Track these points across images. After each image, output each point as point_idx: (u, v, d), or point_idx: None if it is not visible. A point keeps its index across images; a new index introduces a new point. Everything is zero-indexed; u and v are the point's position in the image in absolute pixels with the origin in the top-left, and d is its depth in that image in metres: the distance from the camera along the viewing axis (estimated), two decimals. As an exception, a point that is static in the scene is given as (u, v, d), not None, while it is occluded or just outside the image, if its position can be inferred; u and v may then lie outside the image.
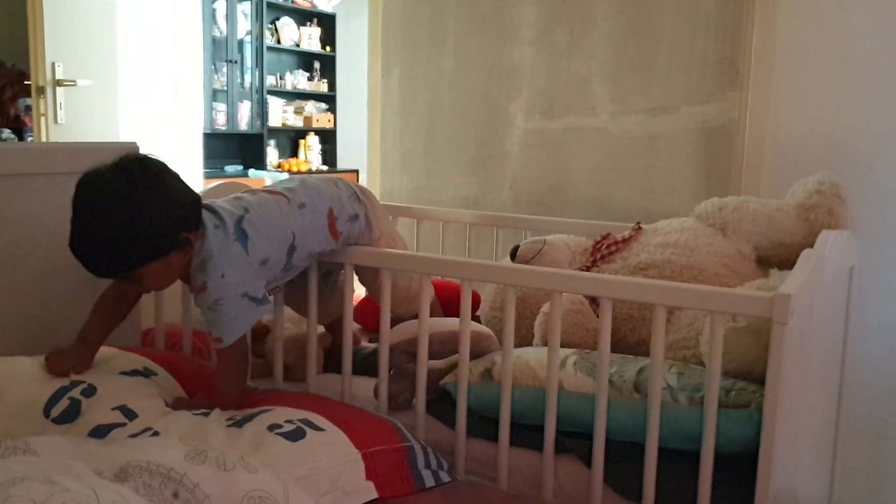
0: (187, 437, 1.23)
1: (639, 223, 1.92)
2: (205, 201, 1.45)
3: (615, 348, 1.50)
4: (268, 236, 1.47)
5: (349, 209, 1.62)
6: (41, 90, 3.05)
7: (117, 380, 1.43)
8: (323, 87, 7.24)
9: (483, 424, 1.53)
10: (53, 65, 3.05)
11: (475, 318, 1.98)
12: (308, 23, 7.13)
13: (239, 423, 1.30)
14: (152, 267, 1.35)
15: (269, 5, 6.53)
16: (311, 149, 6.99)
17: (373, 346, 1.93)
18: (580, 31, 2.49)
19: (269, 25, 6.68)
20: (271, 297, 1.60)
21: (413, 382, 1.58)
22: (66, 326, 1.56)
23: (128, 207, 1.30)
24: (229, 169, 6.21)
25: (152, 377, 1.50)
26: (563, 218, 2.37)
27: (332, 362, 1.83)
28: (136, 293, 1.54)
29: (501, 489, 1.46)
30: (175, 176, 1.40)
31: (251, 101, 6.46)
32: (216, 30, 6.06)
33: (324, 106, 7.25)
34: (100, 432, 1.28)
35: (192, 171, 4.27)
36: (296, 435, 1.26)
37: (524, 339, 1.81)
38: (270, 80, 6.68)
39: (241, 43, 6.32)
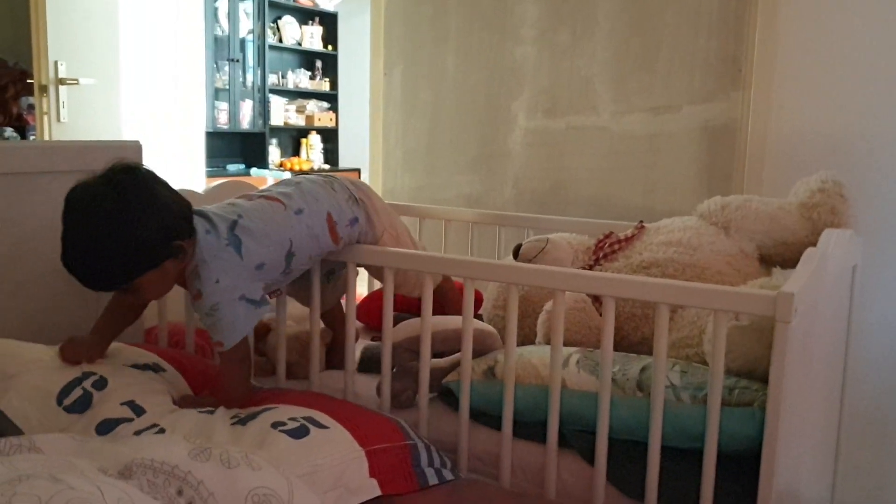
0: (192, 434, 1.24)
1: (641, 222, 1.92)
2: (198, 207, 1.46)
3: (618, 347, 1.50)
4: (262, 242, 1.46)
5: (348, 213, 1.61)
6: (44, 89, 3.05)
7: (128, 374, 1.45)
8: (325, 85, 7.24)
9: (486, 422, 1.53)
10: (56, 63, 3.06)
11: (478, 317, 1.99)
12: (310, 21, 7.13)
13: (243, 421, 1.31)
14: (148, 277, 1.35)
15: (271, 4, 6.53)
16: (313, 148, 6.99)
17: (377, 344, 1.93)
18: (582, 29, 2.49)
19: (271, 24, 6.68)
20: (272, 300, 1.60)
21: (416, 380, 1.58)
22: (67, 325, 1.56)
23: (119, 219, 1.30)
24: (231, 168, 6.21)
25: (161, 373, 1.52)
26: (565, 217, 2.37)
27: (334, 359, 1.83)
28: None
29: (504, 487, 1.46)
30: (164, 184, 1.40)
31: (253, 99, 6.46)
32: (218, 28, 6.06)
33: (325, 105, 7.25)
34: (107, 426, 1.30)
35: (194, 170, 4.27)
36: (299, 432, 1.26)
37: (526, 338, 1.81)
38: (272, 79, 6.68)
39: (242, 42, 6.32)
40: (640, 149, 2.42)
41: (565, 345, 1.47)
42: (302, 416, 1.31)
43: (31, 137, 3.56)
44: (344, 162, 7.10)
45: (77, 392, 1.36)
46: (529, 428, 1.48)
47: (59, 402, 1.33)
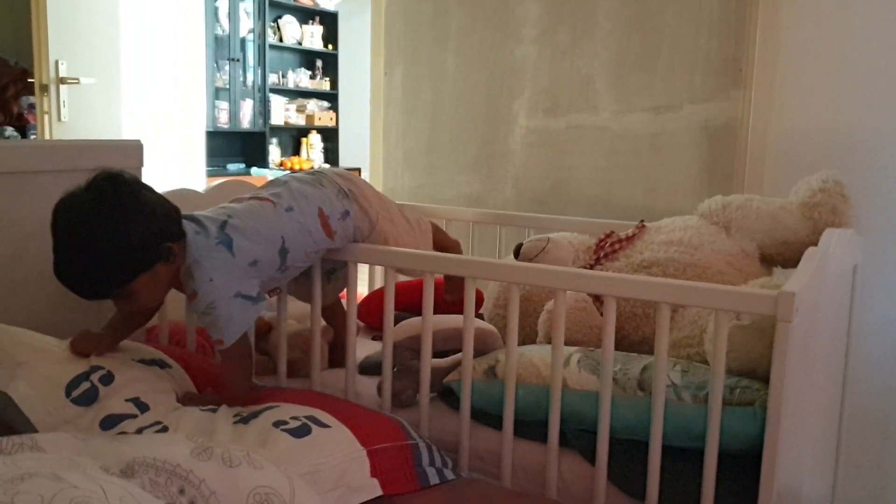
0: (194, 433, 1.24)
1: (642, 221, 1.92)
2: (187, 213, 1.46)
3: (618, 346, 1.50)
4: (254, 239, 1.46)
5: (339, 207, 1.60)
6: (45, 88, 3.05)
7: (135, 369, 1.46)
8: (325, 85, 7.25)
9: (487, 422, 1.53)
10: (57, 63, 3.06)
11: (478, 316, 1.99)
12: (310, 21, 7.13)
13: (245, 420, 1.31)
14: (141, 281, 1.35)
15: (272, 3, 6.53)
16: (314, 147, 7.00)
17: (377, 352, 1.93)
18: (583, 29, 2.49)
19: (272, 23, 6.68)
20: (272, 298, 1.60)
21: (417, 380, 1.59)
22: (68, 325, 1.56)
23: (107, 224, 1.30)
24: (231, 167, 6.21)
25: (167, 369, 1.53)
26: (566, 216, 2.37)
27: (336, 357, 1.83)
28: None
29: (505, 487, 1.46)
30: (150, 189, 1.41)
31: (253, 99, 6.46)
32: (218, 28, 6.06)
33: (326, 104, 7.25)
34: (111, 421, 1.31)
35: (194, 170, 4.27)
36: (301, 431, 1.26)
37: (527, 337, 1.81)
38: (273, 79, 6.68)
39: (243, 41, 6.32)
40: (640, 148, 2.42)
41: (566, 344, 1.47)
42: (304, 415, 1.31)
43: (32, 136, 3.57)
44: (344, 161, 7.10)
45: (85, 385, 1.37)
46: (530, 427, 1.48)
47: (68, 394, 1.35)
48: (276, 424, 1.28)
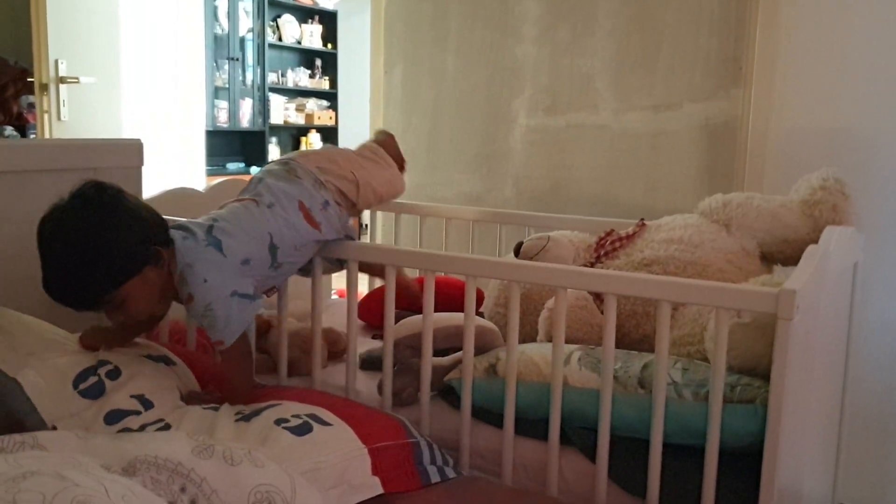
0: (196, 431, 1.24)
1: (642, 219, 1.92)
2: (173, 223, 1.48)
3: (619, 344, 1.50)
4: (242, 238, 1.47)
5: (318, 198, 1.58)
6: (44, 87, 3.05)
7: (142, 365, 1.46)
8: (324, 84, 7.25)
9: (487, 420, 1.54)
10: (57, 62, 3.06)
11: (479, 314, 1.99)
12: (310, 20, 7.14)
13: (247, 418, 1.31)
14: (131, 286, 1.35)
15: (271, 2, 6.54)
16: (313, 146, 7.00)
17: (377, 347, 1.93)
18: (583, 28, 2.49)
19: (271, 23, 6.68)
20: (269, 298, 1.60)
21: (417, 378, 1.59)
22: (68, 324, 1.56)
23: (92, 229, 1.32)
24: (231, 166, 6.22)
25: (172, 366, 1.53)
26: (566, 214, 2.37)
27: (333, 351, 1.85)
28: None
29: (506, 484, 1.47)
30: (133, 196, 1.42)
31: (253, 98, 6.47)
32: (218, 27, 6.06)
33: (325, 103, 7.26)
34: (115, 417, 1.32)
35: (194, 169, 4.27)
36: (302, 429, 1.27)
37: (528, 336, 1.81)
38: (272, 78, 6.68)
39: (242, 40, 6.32)
40: (640, 147, 2.42)
41: (566, 342, 1.47)
42: (305, 414, 1.31)
43: (32, 136, 3.56)
44: (344, 161, 7.09)
45: (92, 379, 1.38)
46: (531, 425, 1.48)
47: (75, 386, 1.36)
48: (278, 422, 1.28)
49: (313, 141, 7.01)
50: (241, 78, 6.34)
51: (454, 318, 1.71)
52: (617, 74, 2.44)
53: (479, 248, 2.40)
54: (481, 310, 2.04)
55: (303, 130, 7.05)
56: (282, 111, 6.83)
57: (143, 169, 1.94)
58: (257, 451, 1.13)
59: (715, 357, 1.27)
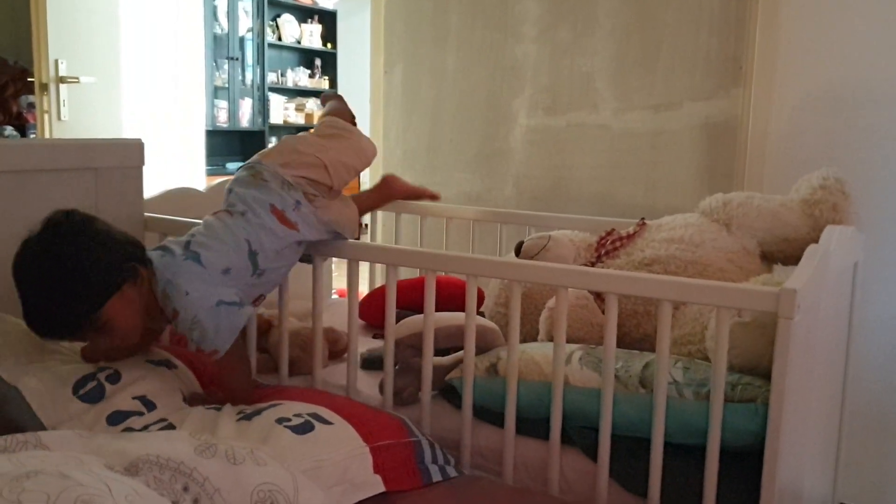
0: (198, 430, 1.25)
1: (643, 219, 1.92)
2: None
3: (619, 344, 1.50)
4: (219, 249, 1.46)
5: (288, 199, 1.55)
6: (44, 87, 3.05)
7: (142, 369, 1.47)
8: (324, 84, 7.25)
9: (488, 419, 1.54)
10: (57, 62, 3.06)
11: (479, 314, 1.99)
12: (309, 20, 7.14)
13: (248, 417, 1.32)
14: (112, 306, 1.34)
15: (271, 2, 6.54)
16: (313, 146, 6.99)
17: (378, 346, 1.94)
18: (583, 27, 2.49)
19: (271, 22, 6.68)
20: (256, 306, 1.58)
21: (418, 377, 1.59)
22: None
23: (64, 254, 1.32)
24: (231, 166, 6.21)
25: (173, 369, 1.53)
26: (566, 214, 2.37)
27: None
28: None
29: (507, 484, 1.47)
30: (103, 221, 1.43)
31: (252, 98, 6.47)
32: (217, 27, 6.06)
33: (325, 103, 7.24)
34: (117, 418, 1.33)
35: (194, 169, 4.27)
36: (303, 428, 1.27)
37: (528, 335, 1.81)
38: (272, 77, 6.68)
39: (242, 40, 6.32)
40: (640, 146, 2.43)
41: (567, 342, 1.47)
42: (307, 412, 1.32)
43: (32, 135, 3.56)
44: (344, 160, 7.09)
45: (91, 384, 1.38)
46: (532, 424, 1.48)
47: (75, 392, 1.36)
48: (279, 421, 1.28)
49: (313, 141, 7.00)
50: (240, 78, 6.34)
51: (455, 317, 1.71)
52: (617, 74, 2.44)
53: (479, 248, 2.40)
54: (482, 309, 2.04)
55: (302, 130, 7.04)
56: (281, 111, 6.83)
57: (143, 169, 1.94)
58: (259, 449, 1.14)
59: (716, 356, 1.27)
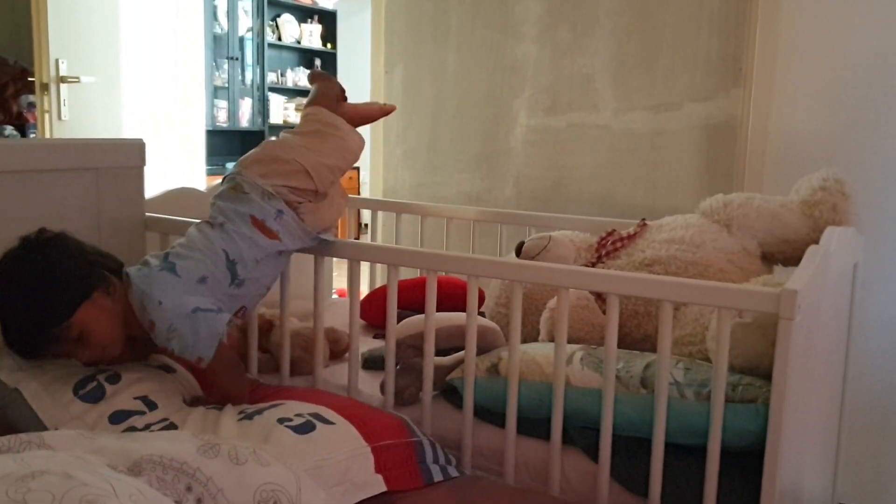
0: (200, 430, 1.25)
1: (644, 219, 1.92)
2: None
3: (620, 344, 1.50)
4: (196, 258, 1.45)
5: (269, 209, 1.52)
6: (45, 87, 3.05)
7: (141, 371, 1.47)
8: (324, 84, 7.23)
9: (489, 419, 1.54)
10: (57, 61, 3.06)
11: (480, 315, 1.99)
12: (309, 19, 7.14)
13: (249, 416, 1.32)
14: (84, 314, 1.36)
15: (270, 2, 6.54)
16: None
17: (379, 346, 1.94)
18: (583, 27, 2.49)
19: (270, 22, 6.68)
20: (239, 319, 1.57)
21: (419, 377, 1.59)
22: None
23: (33, 265, 1.37)
24: (231, 166, 6.20)
25: (172, 373, 1.53)
26: (567, 214, 2.38)
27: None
28: None
29: (508, 484, 1.47)
30: (75, 238, 1.47)
31: (252, 98, 6.47)
32: (217, 27, 6.06)
33: (325, 103, 7.24)
34: (119, 417, 1.33)
35: (194, 169, 4.27)
36: (305, 428, 1.27)
37: (529, 335, 1.81)
38: (271, 77, 6.68)
39: (242, 40, 6.32)
40: (641, 146, 2.43)
41: (568, 342, 1.48)
42: (308, 412, 1.32)
43: (32, 135, 3.56)
44: (344, 160, 7.09)
45: (91, 384, 1.39)
46: (533, 425, 1.49)
47: (76, 392, 1.37)
48: (281, 421, 1.28)
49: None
50: (240, 77, 6.34)
51: (456, 317, 1.71)
52: (617, 74, 2.45)
53: (479, 248, 2.40)
54: (482, 309, 2.05)
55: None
56: (281, 111, 6.83)
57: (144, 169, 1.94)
58: (262, 449, 1.14)
59: (717, 357, 1.27)
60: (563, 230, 2.01)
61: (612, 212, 2.43)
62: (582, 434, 1.44)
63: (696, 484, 1.31)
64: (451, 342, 1.69)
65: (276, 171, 1.54)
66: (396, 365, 1.62)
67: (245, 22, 6.35)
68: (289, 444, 1.23)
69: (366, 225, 3.22)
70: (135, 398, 1.37)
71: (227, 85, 6.20)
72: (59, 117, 3.07)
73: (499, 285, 2.03)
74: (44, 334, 1.35)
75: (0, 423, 1.32)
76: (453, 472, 1.38)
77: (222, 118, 6.21)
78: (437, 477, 1.34)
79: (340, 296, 3.39)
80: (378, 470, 1.27)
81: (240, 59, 6.30)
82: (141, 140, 1.91)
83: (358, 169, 6.73)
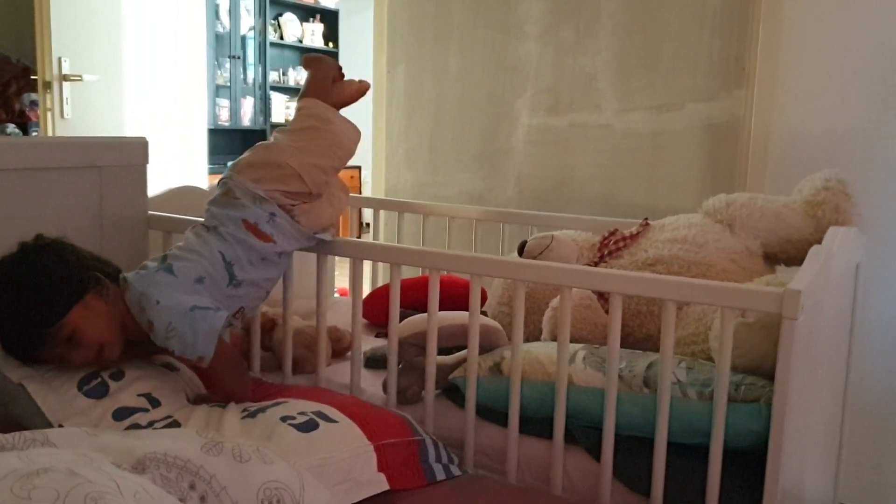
0: (203, 428, 1.25)
1: (646, 219, 1.92)
2: None
3: (622, 344, 1.50)
4: (193, 259, 1.46)
5: (261, 213, 1.51)
6: (48, 85, 3.05)
7: (145, 368, 1.47)
8: (325, 83, 7.23)
9: (492, 418, 1.54)
10: (60, 60, 3.06)
11: (482, 314, 1.99)
12: (311, 19, 7.14)
13: (253, 415, 1.32)
14: (76, 315, 1.36)
15: (272, 1, 6.54)
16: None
17: (381, 345, 1.94)
18: (586, 27, 2.49)
19: (272, 21, 6.68)
20: (237, 321, 1.56)
21: (422, 376, 1.59)
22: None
23: (27, 267, 1.38)
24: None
25: (175, 372, 1.53)
26: (569, 214, 2.38)
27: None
28: None
29: (510, 483, 1.47)
30: (72, 243, 1.48)
31: (254, 96, 6.47)
32: (219, 25, 6.07)
33: (326, 102, 7.24)
34: (123, 414, 1.33)
35: (195, 168, 4.27)
36: (308, 426, 1.27)
37: (531, 334, 1.81)
38: (273, 76, 6.69)
39: (243, 39, 6.33)
40: (643, 146, 2.43)
41: (570, 341, 1.48)
42: (311, 411, 1.32)
43: (34, 133, 3.57)
44: (345, 159, 7.09)
45: (95, 381, 1.39)
46: (535, 424, 1.49)
47: (80, 388, 1.37)
48: (284, 419, 1.28)
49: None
50: (242, 76, 6.34)
51: (458, 316, 1.71)
52: (619, 74, 2.45)
53: (481, 248, 2.41)
54: (484, 308, 2.05)
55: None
56: (283, 110, 6.83)
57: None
58: (266, 447, 1.14)
59: (720, 356, 1.27)
60: (565, 230, 2.01)
61: (614, 212, 2.43)
62: (584, 433, 1.44)
63: (699, 483, 1.31)
64: (453, 341, 1.69)
65: (268, 175, 1.53)
66: (399, 364, 1.63)
67: (247, 21, 6.35)
68: (292, 442, 1.23)
69: (367, 224, 3.22)
70: (138, 395, 1.37)
71: (228, 84, 6.20)
72: (62, 115, 3.07)
73: (501, 284, 2.03)
74: (37, 335, 1.36)
75: (4, 419, 1.32)
76: (456, 470, 1.38)
77: (224, 117, 6.21)
78: (440, 476, 1.34)
79: (341, 294, 3.39)
80: (381, 468, 1.27)
81: (241, 57, 6.31)
82: (144, 138, 1.91)
83: (360, 168, 6.73)
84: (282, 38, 6.82)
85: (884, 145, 2.14)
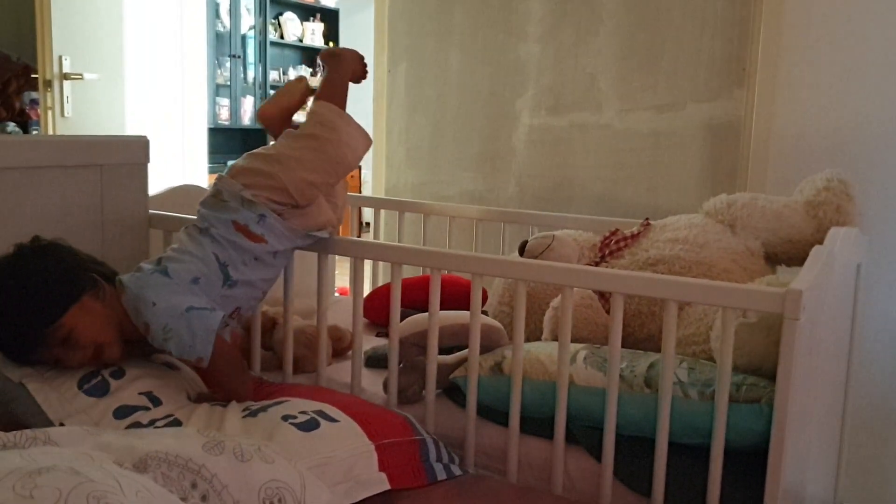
0: (205, 427, 1.25)
1: (647, 219, 1.92)
2: None
3: (624, 344, 1.50)
4: (187, 260, 1.46)
5: (250, 215, 1.50)
6: (48, 83, 3.05)
7: (146, 367, 1.47)
8: (325, 82, 7.24)
9: (493, 418, 1.54)
10: (60, 58, 3.06)
11: (483, 313, 1.99)
12: (311, 18, 7.14)
13: (254, 414, 1.32)
14: (72, 317, 1.37)
15: (273, 0, 6.54)
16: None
17: (382, 344, 1.94)
18: (587, 27, 2.49)
19: (273, 20, 6.68)
20: (234, 321, 1.56)
21: (422, 376, 1.59)
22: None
23: (23, 269, 1.39)
24: (232, 164, 6.21)
25: (176, 371, 1.53)
26: (570, 213, 2.38)
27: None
28: None
29: (511, 483, 1.47)
30: (69, 246, 1.49)
31: (254, 95, 6.47)
32: (219, 24, 6.07)
33: (326, 101, 7.24)
34: (124, 412, 1.34)
35: (195, 167, 4.27)
36: (309, 425, 1.27)
37: (532, 334, 1.81)
38: (273, 76, 6.68)
39: (244, 38, 6.32)
40: (644, 146, 2.43)
41: (571, 341, 1.48)
42: (313, 410, 1.32)
43: (35, 132, 3.57)
44: (345, 159, 7.09)
45: (96, 379, 1.39)
46: (536, 424, 1.49)
47: (80, 387, 1.37)
48: (285, 418, 1.28)
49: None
50: (242, 76, 6.34)
51: (459, 316, 1.71)
52: (620, 74, 2.45)
53: (482, 247, 2.41)
54: (485, 308, 2.05)
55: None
56: (283, 109, 6.82)
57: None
58: (267, 446, 1.14)
59: (721, 356, 1.27)
60: (566, 229, 2.01)
61: (615, 211, 2.43)
62: (585, 433, 1.44)
63: (700, 483, 1.31)
64: (454, 340, 1.69)
65: (259, 183, 1.51)
66: (399, 363, 1.63)
67: (247, 20, 6.35)
68: (293, 441, 1.23)
69: (368, 223, 3.22)
70: (139, 393, 1.38)
71: (229, 83, 6.20)
72: (62, 114, 3.07)
73: (502, 284, 2.03)
74: (34, 336, 1.36)
75: (5, 418, 1.32)
76: (457, 470, 1.38)
77: (224, 116, 6.21)
78: (441, 475, 1.34)
79: (341, 294, 3.39)
80: (382, 468, 1.27)
81: (242, 57, 6.31)
82: (145, 137, 1.91)
83: (360, 167, 6.72)
84: (282, 37, 6.82)
85: (884, 145, 2.14)
